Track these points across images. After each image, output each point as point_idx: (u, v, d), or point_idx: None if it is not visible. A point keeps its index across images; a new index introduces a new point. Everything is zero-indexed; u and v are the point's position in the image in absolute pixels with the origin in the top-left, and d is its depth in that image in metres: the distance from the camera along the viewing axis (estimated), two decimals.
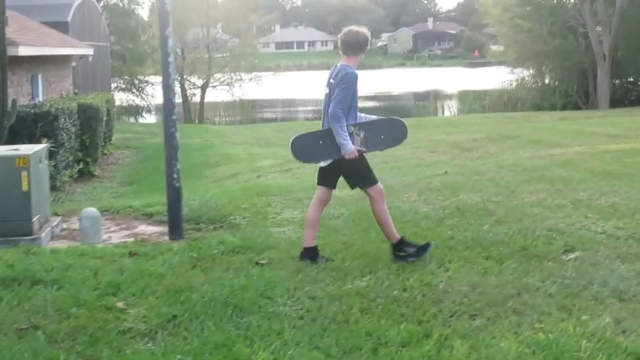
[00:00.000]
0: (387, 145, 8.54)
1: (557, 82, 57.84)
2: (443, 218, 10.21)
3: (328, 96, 8.12)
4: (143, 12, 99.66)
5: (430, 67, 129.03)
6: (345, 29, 8.36)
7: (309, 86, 79.81)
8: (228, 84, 58.55)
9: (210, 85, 58.33)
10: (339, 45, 8.33)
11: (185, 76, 57.44)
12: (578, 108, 51.53)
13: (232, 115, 60.66)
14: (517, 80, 60.21)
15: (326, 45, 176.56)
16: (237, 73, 58.52)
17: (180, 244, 9.33)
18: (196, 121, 55.79)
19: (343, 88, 7.93)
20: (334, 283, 7.45)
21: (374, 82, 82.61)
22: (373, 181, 8.28)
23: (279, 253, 8.66)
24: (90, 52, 30.18)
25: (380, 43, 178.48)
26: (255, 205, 11.59)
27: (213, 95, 58.95)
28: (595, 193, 11.64)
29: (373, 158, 9.20)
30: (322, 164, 8.25)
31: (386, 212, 8.37)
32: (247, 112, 60.13)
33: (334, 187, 8.47)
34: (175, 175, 9.81)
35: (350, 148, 7.93)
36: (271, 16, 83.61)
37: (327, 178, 8.35)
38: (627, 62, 53.51)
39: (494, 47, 74.58)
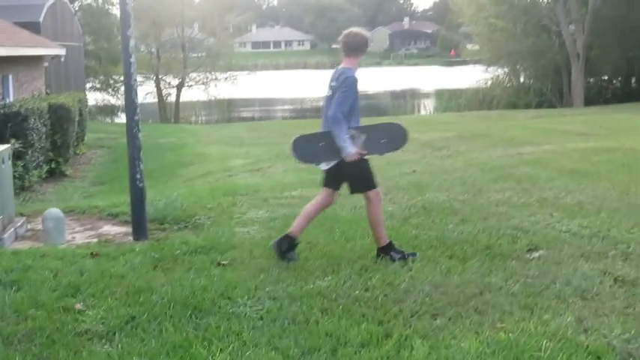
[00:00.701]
0: (387, 149, 8.50)
1: (531, 81, 58.30)
2: (408, 217, 10.18)
3: (329, 98, 8.11)
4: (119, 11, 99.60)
5: (407, 66, 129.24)
6: (346, 31, 8.33)
7: (286, 85, 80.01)
8: (203, 83, 58.46)
9: (186, 84, 58.18)
10: (340, 47, 8.30)
11: (160, 76, 57.32)
12: (552, 106, 51.83)
13: (209, 114, 60.63)
14: (492, 79, 60.45)
15: (302, 44, 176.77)
16: (213, 73, 58.44)
17: (143, 244, 9.26)
18: (172, 120, 55.63)
19: (344, 92, 7.92)
20: (296, 283, 7.40)
21: None
22: (373, 185, 8.29)
23: (242, 254, 8.59)
24: (62, 52, 30.02)
25: None
26: (220, 205, 11.53)
27: (190, 95, 58.84)
28: (561, 191, 11.66)
29: None
30: (324, 167, 8.26)
31: (381, 215, 8.38)
32: (224, 111, 60.12)
33: (337, 189, 8.45)
34: (138, 176, 9.73)
35: (350, 151, 7.92)
36: (247, 16, 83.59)
37: (330, 181, 8.37)
38: (601, 61, 53.89)
39: (470, 46, 74.74)
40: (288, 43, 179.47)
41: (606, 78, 59.87)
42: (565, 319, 6.25)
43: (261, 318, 6.48)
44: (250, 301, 6.91)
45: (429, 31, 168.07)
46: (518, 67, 59.72)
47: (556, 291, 6.99)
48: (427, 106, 64.29)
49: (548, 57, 54.75)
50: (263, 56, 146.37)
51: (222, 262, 8.25)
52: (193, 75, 58.47)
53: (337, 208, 10.90)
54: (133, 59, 9.82)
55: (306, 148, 8.30)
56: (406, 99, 66.44)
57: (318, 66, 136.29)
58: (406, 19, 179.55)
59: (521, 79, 60.68)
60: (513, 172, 13.68)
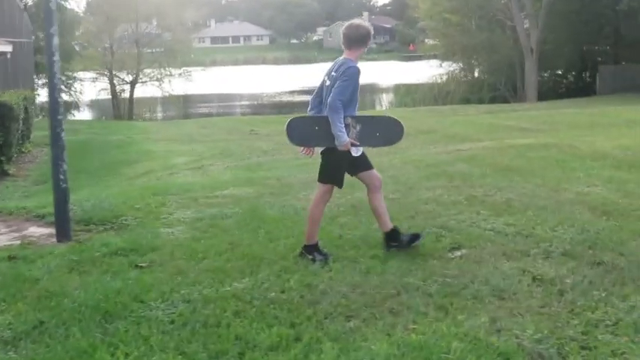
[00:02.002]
0: (380, 143, 8.44)
1: (486, 76, 58.52)
2: (336, 216, 10.10)
3: (328, 88, 8.08)
4: (79, 7, 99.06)
5: (366, 61, 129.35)
6: (347, 23, 8.31)
7: (245, 81, 79.86)
8: (157, 80, 58.22)
9: (140, 80, 57.88)
10: (341, 39, 8.27)
11: (114, 72, 57.03)
12: (506, 101, 52.11)
13: (166, 110, 60.45)
14: (447, 74, 60.74)
15: (261, 39, 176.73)
16: (167, 69, 58.24)
17: (63, 247, 9.11)
18: (126, 117, 55.35)
19: (345, 81, 7.89)
20: (213, 285, 7.31)
21: (309, 76, 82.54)
22: (333, 181, 8.34)
23: (163, 255, 8.47)
24: (8, 48, 29.60)
25: (315, 37, 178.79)
26: (149, 205, 11.37)
27: (147, 91, 58.60)
28: (492, 188, 11.64)
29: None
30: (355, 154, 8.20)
31: (320, 214, 8.45)
32: (180, 107, 59.97)
33: (372, 168, 8.46)
34: (62, 177, 9.60)
35: (344, 140, 7.90)
36: (206, 11, 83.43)
37: (360, 165, 8.36)
38: (555, 55, 54.29)
39: (429, 41, 75.05)
40: (247, 38, 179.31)
41: (560, 73, 60.34)
42: (479, 320, 6.23)
43: (173, 322, 6.39)
44: (164, 304, 6.81)
45: (388, 26, 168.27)
46: (472, 62, 60.04)
47: (473, 291, 6.96)
48: (384, 101, 64.40)
49: (502, 52, 55.15)
50: (222, 51, 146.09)
51: (141, 265, 8.13)
52: (148, 71, 58.20)
53: (266, 206, 10.88)
54: (56, 57, 9.68)
55: (301, 130, 8.29)
56: (364, 94, 66.44)
57: (276, 61, 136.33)
58: (365, 14, 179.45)
59: (476, 74, 61.00)
60: (447, 170, 13.64)
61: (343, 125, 7.89)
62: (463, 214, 10.02)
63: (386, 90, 73.12)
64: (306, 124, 8.30)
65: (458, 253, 8.22)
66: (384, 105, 61.41)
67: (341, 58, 8.21)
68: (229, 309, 6.63)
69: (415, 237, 8.44)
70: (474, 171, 13.39)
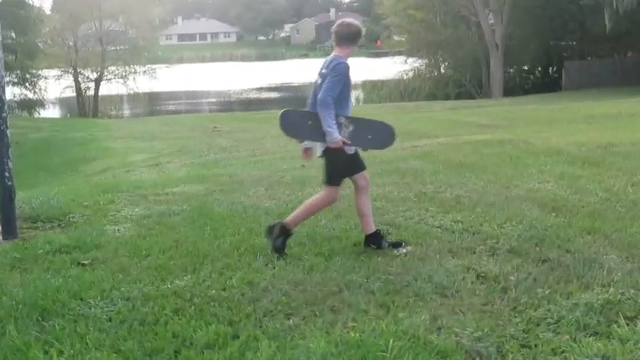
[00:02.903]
0: (371, 145, 8.45)
1: (451, 72, 58.64)
2: (284, 213, 9.94)
3: (319, 85, 8.05)
4: (46, 4, 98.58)
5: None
6: (339, 21, 8.31)
7: (213, 78, 79.65)
8: (122, 77, 57.97)
9: (105, 78, 57.63)
10: (332, 37, 8.28)
11: (79, 70, 56.74)
12: (472, 97, 52.16)
13: (132, 108, 60.24)
14: (413, 70, 60.83)
15: (229, 37, 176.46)
16: (132, 66, 58.01)
17: (7, 244, 9.01)
18: (90, 114, 55.09)
19: (334, 76, 7.89)
20: (154, 283, 7.24)
21: (276, 73, 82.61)
22: (337, 182, 8.34)
23: (106, 253, 8.37)
24: None
25: (283, 34, 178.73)
26: (97, 203, 11.26)
27: (115, 89, 58.36)
28: (442, 185, 11.63)
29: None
30: (318, 154, 8.27)
31: (319, 209, 8.63)
32: (146, 105, 59.79)
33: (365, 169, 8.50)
34: (7, 174, 9.54)
35: (335, 137, 7.88)
36: (173, 8, 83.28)
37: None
38: (521, 51, 54.54)
39: (394, 37, 75.02)
40: (215, 35, 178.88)
41: (526, 68, 60.60)
42: (420, 318, 6.19)
43: (110, 319, 6.32)
44: (103, 302, 6.73)
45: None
46: (437, 58, 60.16)
47: (416, 288, 6.92)
48: (351, 98, 64.38)
49: (467, 48, 55.30)
50: (189, 49, 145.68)
51: (83, 262, 8.03)
52: (112, 68, 57.96)
53: (215, 204, 10.83)
54: (0, 55, 9.62)
55: (294, 122, 8.27)
56: None
57: (243, 58, 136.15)
58: (332, 11, 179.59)
59: (442, 71, 61.12)
60: (400, 166, 13.63)
61: (334, 122, 7.88)
62: (411, 210, 9.99)
63: (354, 87, 72.99)
64: (300, 116, 8.32)
65: (403, 250, 8.17)
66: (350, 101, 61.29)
67: (331, 55, 8.21)
68: (169, 307, 6.57)
69: (398, 244, 8.40)
70: (426, 167, 13.39)
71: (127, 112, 60.12)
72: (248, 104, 59.55)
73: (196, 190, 11.53)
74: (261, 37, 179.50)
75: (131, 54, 59.14)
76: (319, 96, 7.91)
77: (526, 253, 7.96)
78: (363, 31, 8.27)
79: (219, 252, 8.24)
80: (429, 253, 8.05)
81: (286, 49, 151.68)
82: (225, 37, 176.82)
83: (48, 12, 62.59)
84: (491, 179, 12.11)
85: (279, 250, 8.13)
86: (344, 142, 7.97)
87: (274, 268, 7.66)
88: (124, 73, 58.11)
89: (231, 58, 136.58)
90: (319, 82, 8.11)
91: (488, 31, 52.65)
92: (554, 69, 57.70)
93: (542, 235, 8.61)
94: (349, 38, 8.19)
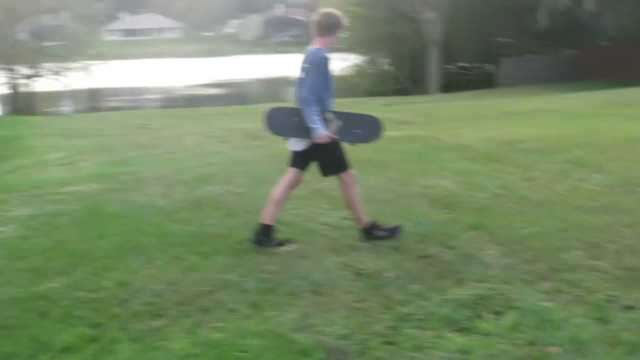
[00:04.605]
0: (359, 140, 8.37)
1: (391, 68, 58.77)
2: (175, 212, 9.93)
3: (302, 80, 7.99)
4: None
5: (280, 54, 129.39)
6: (318, 11, 8.24)
7: (157, 74, 79.27)
8: (57, 73, 57.32)
9: (39, 74, 56.98)
10: (312, 27, 8.18)
11: (13, 66, 56.10)
12: (409, 94, 52.20)
13: (73, 104, 59.68)
14: (354, 66, 60.91)
15: (174, 32, 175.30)
16: (66, 63, 57.40)
17: None
18: (24, 111, 54.45)
19: (316, 71, 7.85)
20: (26, 285, 7.14)
21: (222, 70, 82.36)
22: (345, 166, 8.34)
23: None
24: None
25: (229, 30, 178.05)
26: None
27: (54, 85, 57.75)
28: None
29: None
30: (295, 147, 8.22)
31: (357, 196, 8.48)
32: (86, 101, 59.28)
33: (305, 170, 8.48)
34: None
35: (322, 132, 7.86)
36: (116, 3, 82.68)
37: (298, 161, 8.38)
38: (459, 48, 54.69)
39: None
40: (160, 30, 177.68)
41: (465, 65, 60.84)
42: (288, 316, 6.17)
43: None
44: None
45: (303, 18, 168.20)
46: (377, 54, 60.27)
47: (291, 287, 6.89)
48: (292, 94, 64.40)
49: (406, 44, 55.33)
50: (134, 44, 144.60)
51: None
52: (48, 65, 57.30)
53: (109, 203, 10.72)
54: None
55: (279, 121, 8.27)
56: (275, 87, 66.46)
57: (189, 54, 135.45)
58: (280, 7, 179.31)
59: (382, 67, 61.24)
60: None
61: (319, 118, 7.87)
62: (303, 208, 9.94)
63: (294, 83, 73.07)
64: (285, 114, 8.28)
65: (288, 248, 8.13)
66: (291, 97, 61.39)
67: (312, 47, 8.12)
68: (36, 310, 6.49)
69: (282, 243, 8.34)
70: None
71: (66, 109, 59.52)
72: (192, 100, 59.24)
73: (94, 188, 11.38)
74: (207, 33, 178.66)
75: (69, 50, 58.42)
76: (302, 94, 7.89)
77: (408, 250, 7.94)
78: (344, 22, 8.20)
79: (100, 252, 8.13)
80: (312, 251, 8.01)
81: (234, 44, 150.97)
82: (170, 32, 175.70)
83: None
84: (393, 176, 12.06)
85: (393, 232, 8.38)
86: (331, 138, 7.96)
87: (152, 268, 7.57)
88: (56, 70, 57.40)
89: (177, 54, 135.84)
90: (303, 76, 8.04)
91: (428, 28, 52.81)
92: (492, 65, 57.98)
93: (427, 232, 8.59)
94: (330, 28, 8.12)
